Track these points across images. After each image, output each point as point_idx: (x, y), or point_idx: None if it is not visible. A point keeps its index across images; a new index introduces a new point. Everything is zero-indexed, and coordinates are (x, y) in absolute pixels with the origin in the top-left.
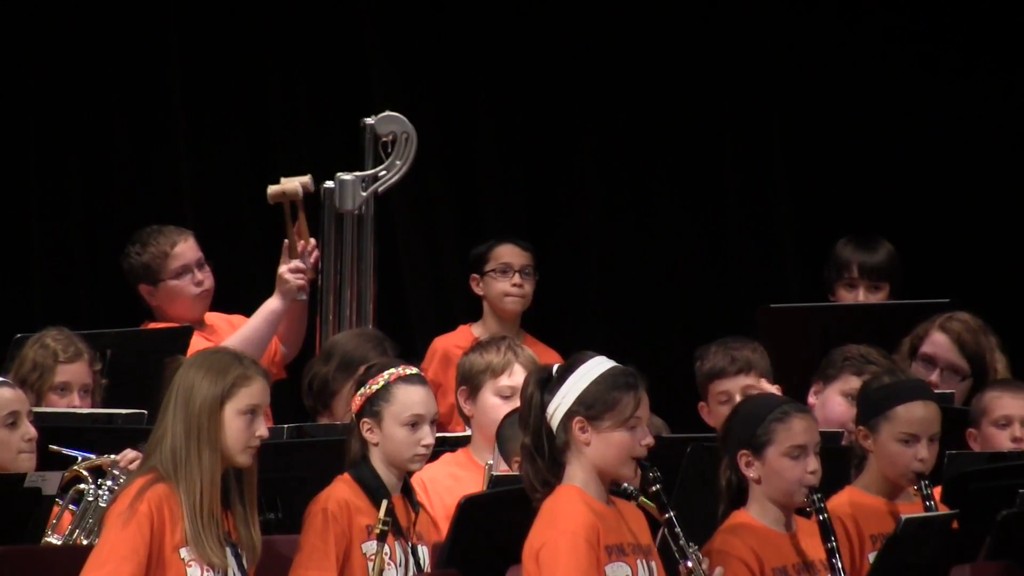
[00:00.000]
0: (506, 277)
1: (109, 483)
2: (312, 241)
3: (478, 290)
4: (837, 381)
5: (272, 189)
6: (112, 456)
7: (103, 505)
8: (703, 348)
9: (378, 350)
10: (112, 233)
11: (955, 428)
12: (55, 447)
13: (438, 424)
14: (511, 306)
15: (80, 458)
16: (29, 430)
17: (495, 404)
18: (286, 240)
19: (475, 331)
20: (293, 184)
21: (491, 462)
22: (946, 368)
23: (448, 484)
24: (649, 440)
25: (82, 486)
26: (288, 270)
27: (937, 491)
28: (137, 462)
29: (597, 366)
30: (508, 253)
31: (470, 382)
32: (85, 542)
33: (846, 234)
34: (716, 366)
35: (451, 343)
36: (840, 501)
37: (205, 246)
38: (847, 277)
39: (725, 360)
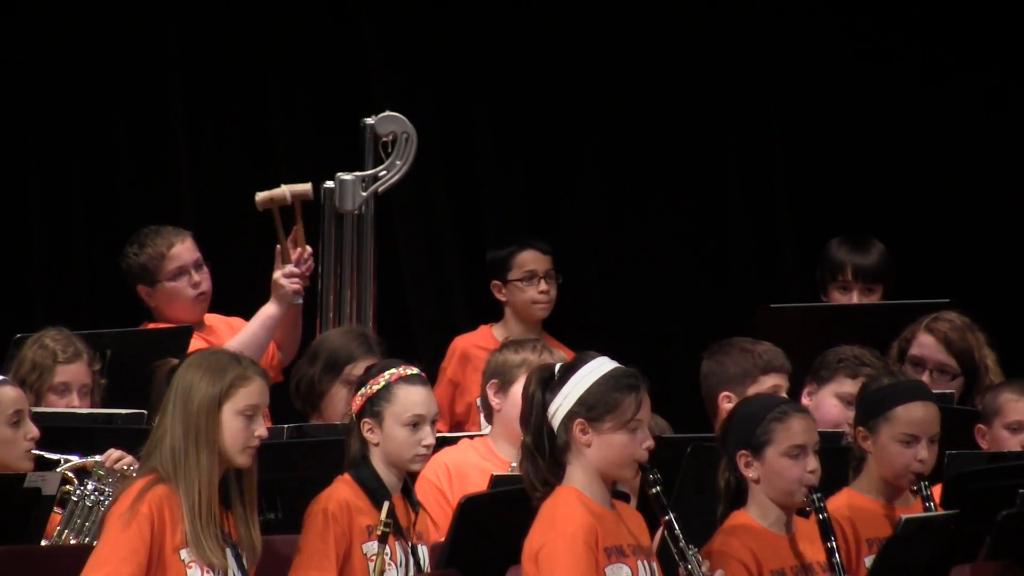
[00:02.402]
0: (532, 284)
1: (95, 484)
2: (308, 249)
3: (501, 297)
4: (831, 383)
5: (260, 196)
6: (96, 457)
7: (89, 506)
8: (734, 343)
9: (364, 347)
10: (112, 233)
11: (955, 428)
12: (38, 451)
13: (457, 423)
14: (539, 313)
15: (62, 460)
16: (32, 429)
17: None
18: (278, 246)
19: (496, 332)
20: (280, 190)
21: (516, 464)
22: (935, 369)
23: (475, 476)
24: (650, 442)
25: (68, 487)
26: (282, 275)
27: (937, 490)
28: (122, 462)
29: (599, 367)
30: (532, 260)
31: (503, 376)
32: (73, 542)
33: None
34: (774, 361)
35: (471, 343)
36: (838, 504)
37: (205, 247)
38: (841, 280)
39: (781, 357)
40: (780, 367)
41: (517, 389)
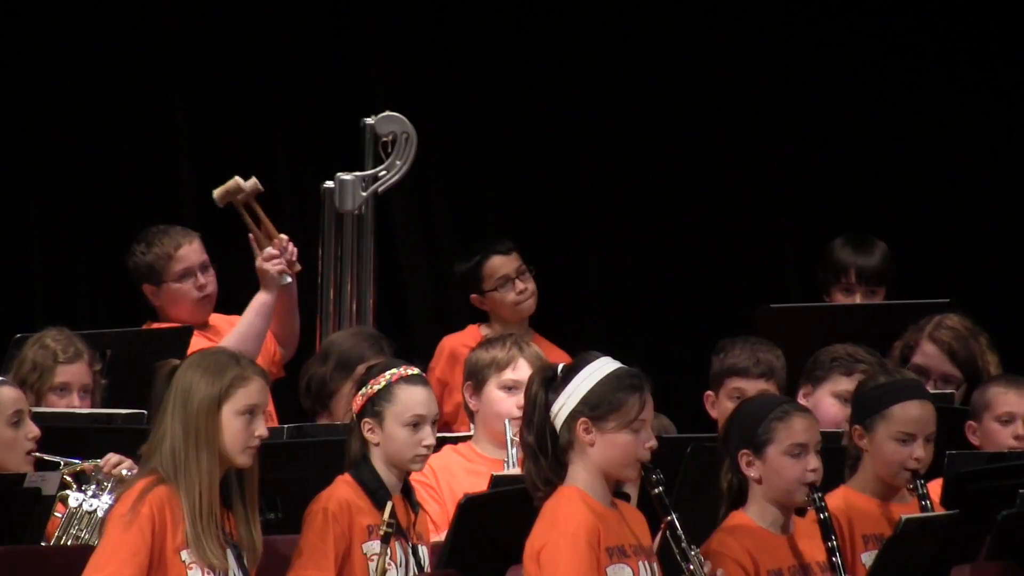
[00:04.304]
0: (508, 289)
1: (93, 488)
2: (284, 237)
3: (484, 307)
4: (827, 383)
5: (216, 191)
6: (95, 461)
7: (87, 510)
8: (728, 341)
9: (375, 349)
10: (112, 233)
11: (955, 428)
12: (38, 453)
13: (445, 423)
14: (525, 311)
15: (63, 463)
16: (33, 428)
17: (499, 397)
18: (250, 234)
19: (484, 331)
20: (232, 182)
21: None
22: (939, 378)
23: (462, 477)
24: (653, 443)
25: (66, 492)
26: (263, 259)
27: (935, 485)
28: (120, 466)
29: (602, 367)
30: (499, 265)
31: (475, 377)
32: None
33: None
34: (740, 364)
35: (459, 342)
36: (835, 501)
37: (204, 246)
38: (844, 281)
39: (750, 360)
40: (743, 370)
41: (489, 389)
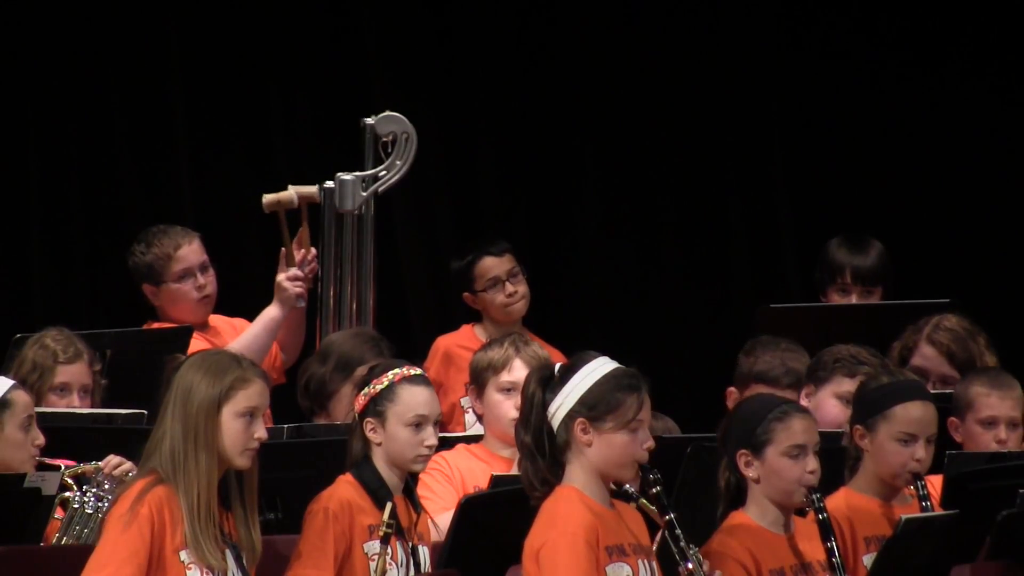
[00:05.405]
0: (498, 290)
1: (94, 490)
2: (312, 251)
3: (476, 306)
4: (829, 383)
5: (267, 198)
6: (96, 463)
7: (89, 512)
8: (758, 343)
9: (375, 350)
10: (112, 234)
11: None
12: (40, 458)
13: (440, 423)
14: (516, 313)
15: (63, 467)
16: (39, 435)
17: (498, 400)
18: (283, 248)
19: (478, 331)
20: (288, 193)
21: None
22: (938, 380)
23: (476, 471)
24: (650, 443)
25: (68, 494)
26: (286, 278)
27: (936, 480)
28: (121, 468)
29: (600, 367)
30: (491, 266)
31: (477, 380)
32: None
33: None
34: (770, 373)
35: (453, 342)
36: (836, 503)
37: (205, 247)
38: (840, 282)
39: (781, 370)
40: (773, 380)
41: (490, 392)
